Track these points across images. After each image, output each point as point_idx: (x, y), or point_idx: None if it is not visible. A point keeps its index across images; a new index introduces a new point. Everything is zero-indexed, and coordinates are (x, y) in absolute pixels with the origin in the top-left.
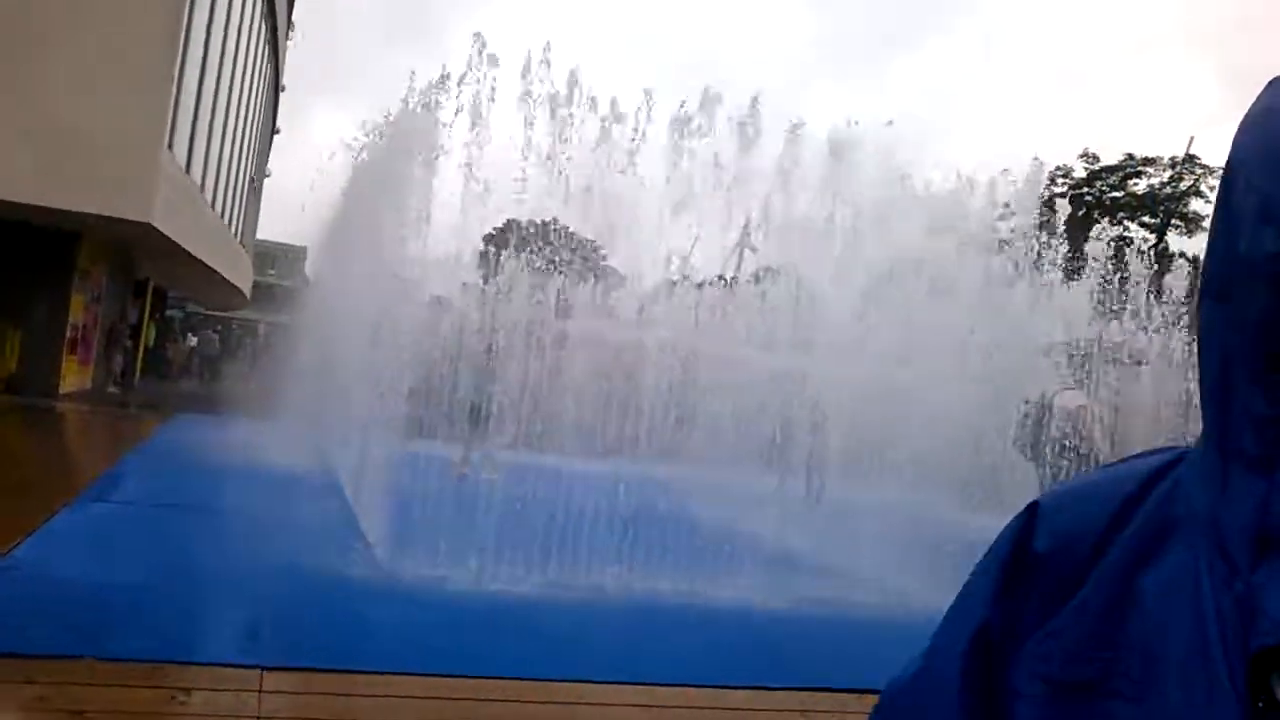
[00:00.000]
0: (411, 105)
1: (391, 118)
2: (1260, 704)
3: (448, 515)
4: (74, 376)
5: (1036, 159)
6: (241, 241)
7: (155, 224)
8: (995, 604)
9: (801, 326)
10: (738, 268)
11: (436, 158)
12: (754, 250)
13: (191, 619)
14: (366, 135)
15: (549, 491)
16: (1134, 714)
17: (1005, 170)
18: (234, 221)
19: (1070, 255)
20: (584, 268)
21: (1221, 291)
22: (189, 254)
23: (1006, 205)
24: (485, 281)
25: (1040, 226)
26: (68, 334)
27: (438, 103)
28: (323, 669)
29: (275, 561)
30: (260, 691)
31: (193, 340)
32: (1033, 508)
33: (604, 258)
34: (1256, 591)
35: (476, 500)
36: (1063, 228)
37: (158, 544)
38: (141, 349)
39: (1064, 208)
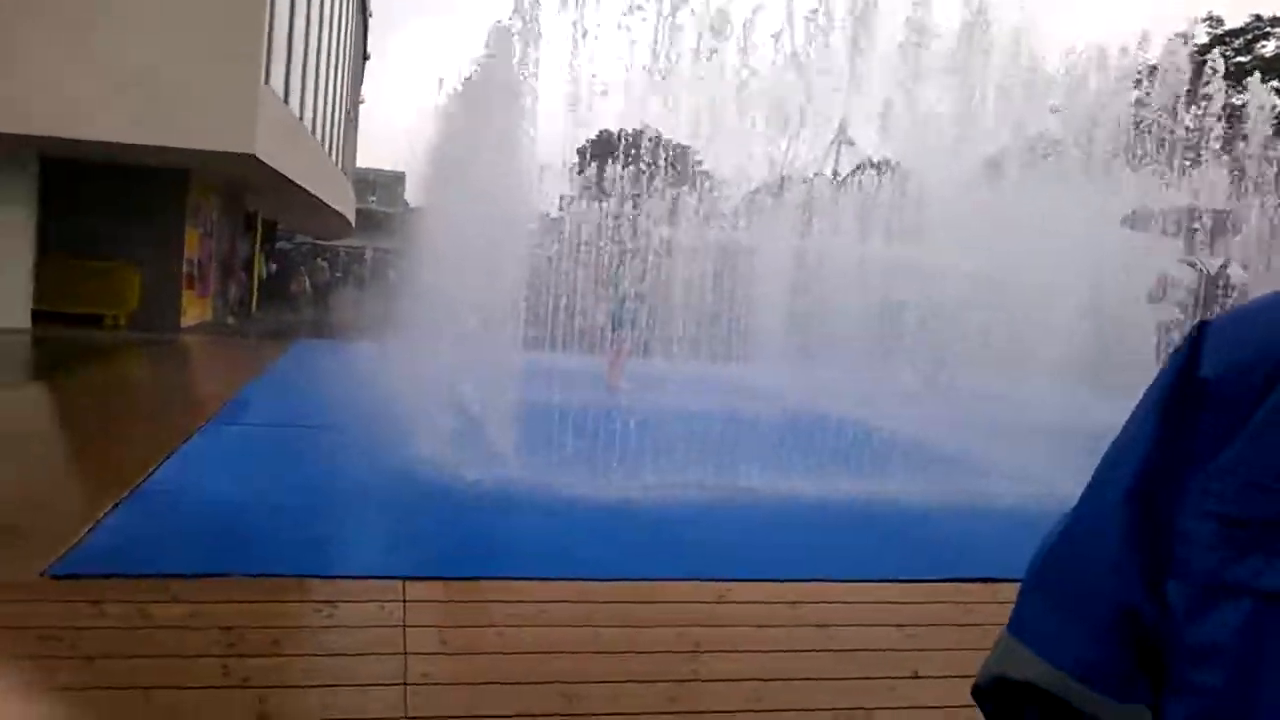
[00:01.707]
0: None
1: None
2: None
3: (579, 426)
4: (194, 310)
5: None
6: (342, 169)
7: (259, 155)
8: (1159, 442)
9: (913, 216)
10: (836, 163)
11: (534, 74)
12: (851, 144)
13: (331, 534)
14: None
15: (680, 398)
16: None
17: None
18: (334, 150)
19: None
20: (677, 175)
21: None
22: (293, 184)
23: (1140, 79)
24: (593, 196)
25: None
26: (184, 269)
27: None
28: (462, 577)
29: (406, 474)
30: (404, 601)
31: (316, 276)
32: (1199, 330)
33: (699, 163)
34: None
35: (605, 410)
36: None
37: (291, 463)
38: (255, 280)
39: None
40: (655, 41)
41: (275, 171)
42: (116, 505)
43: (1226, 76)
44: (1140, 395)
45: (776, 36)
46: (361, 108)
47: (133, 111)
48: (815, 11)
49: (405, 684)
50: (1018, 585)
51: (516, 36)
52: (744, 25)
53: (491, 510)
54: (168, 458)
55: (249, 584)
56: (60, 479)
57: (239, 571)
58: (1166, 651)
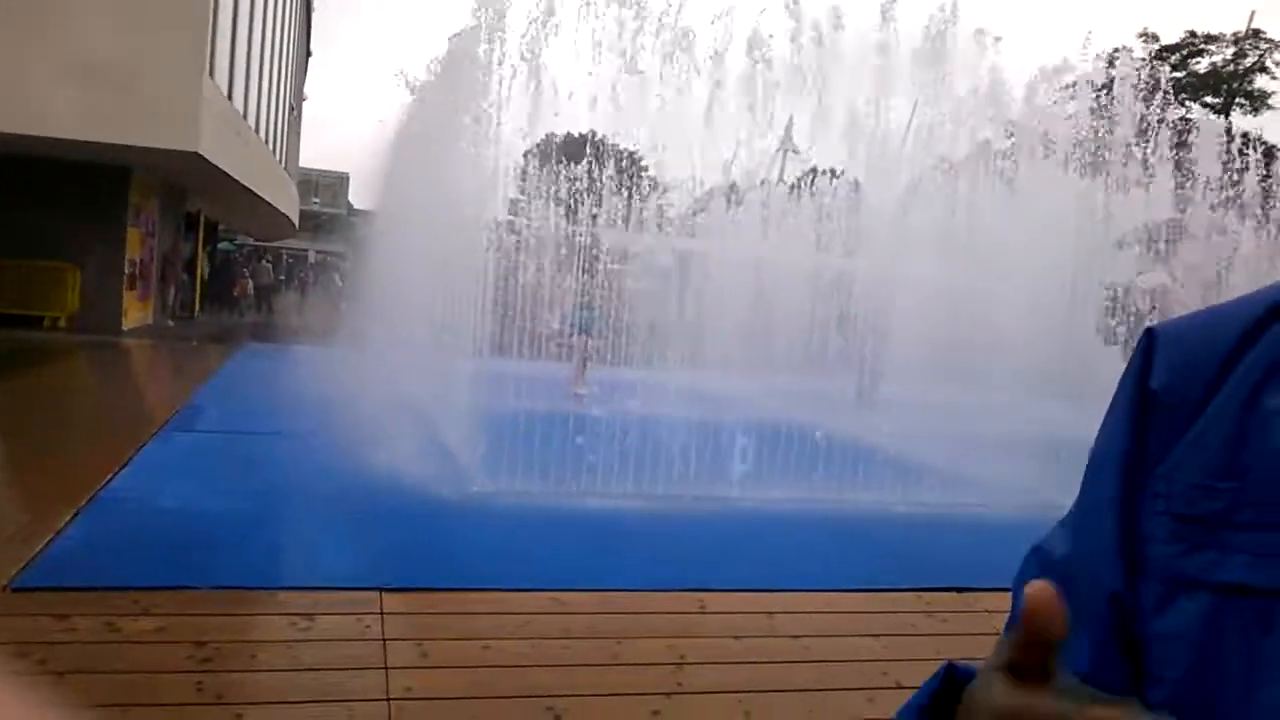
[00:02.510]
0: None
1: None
2: None
3: (538, 433)
4: (136, 312)
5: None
6: (286, 169)
7: (203, 153)
8: (1128, 451)
9: (856, 228)
10: (782, 171)
11: (494, 73)
12: (796, 152)
13: (300, 544)
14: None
15: (635, 406)
16: (1266, 543)
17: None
18: (277, 149)
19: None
20: (624, 180)
21: None
22: (237, 183)
23: (1071, 87)
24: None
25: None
26: (126, 270)
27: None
28: (439, 588)
29: (370, 483)
30: (382, 613)
31: (260, 277)
32: (1149, 339)
33: (645, 169)
34: None
35: (567, 417)
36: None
37: (251, 471)
38: (198, 282)
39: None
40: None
41: (219, 170)
42: (75, 515)
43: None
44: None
45: (718, 54)
46: (304, 106)
47: (76, 106)
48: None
49: (388, 699)
50: (988, 594)
51: (481, 35)
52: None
53: (463, 519)
54: (124, 466)
55: (220, 596)
56: (13, 488)
57: (209, 584)
58: (1142, 647)
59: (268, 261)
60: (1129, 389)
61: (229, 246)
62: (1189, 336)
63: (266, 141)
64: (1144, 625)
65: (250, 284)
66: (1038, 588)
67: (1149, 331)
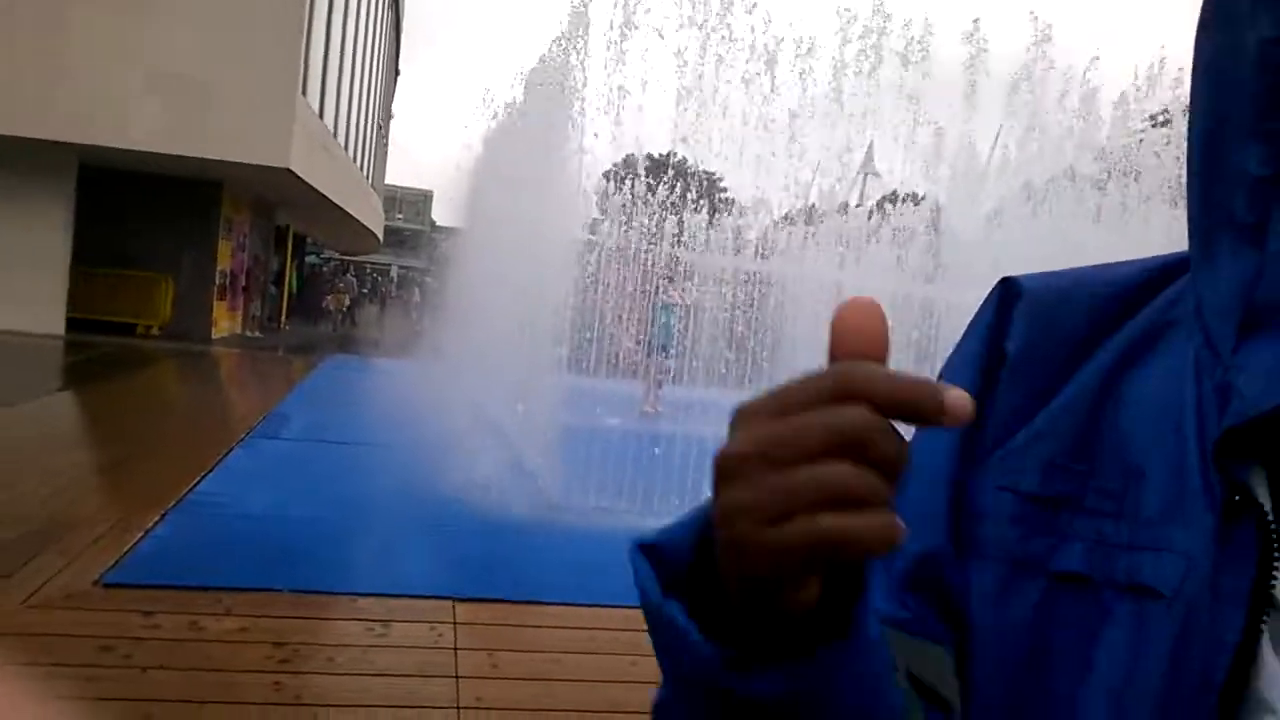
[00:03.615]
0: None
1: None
2: (1237, 498)
3: (618, 451)
4: (225, 321)
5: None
6: (372, 185)
7: (293, 169)
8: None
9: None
10: (862, 195)
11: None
12: (876, 175)
13: (378, 552)
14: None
15: (712, 425)
16: (1106, 530)
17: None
18: (364, 165)
19: None
20: (703, 200)
21: (1222, 17)
22: (325, 198)
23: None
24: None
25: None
26: (217, 280)
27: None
28: (511, 600)
29: (448, 495)
30: (455, 623)
31: (351, 291)
32: (1007, 294)
33: (724, 190)
34: (1233, 375)
35: (643, 436)
36: None
37: (333, 479)
38: (285, 294)
39: None
40: (689, 64)
41: (308, 186)
42: (164, 516)
43: None
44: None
45: (803, 73)
46: (391, 124)
47: (170, 120)
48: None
49: (458, 707)
50: None
51: (572, 53)
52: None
53: (536, 533)
54: (211, 470)
55: (300, 599)
56: (107, 487)
57: (287, 587)
58: (971, 630)
59: (353, 275)
60: (978, 344)
61: (315, 260)
62: (1056, 299)
63: (354, 158)
64: (975, 611)
65: (346, 297)
66: (855, 303)
67: (1007, 282)
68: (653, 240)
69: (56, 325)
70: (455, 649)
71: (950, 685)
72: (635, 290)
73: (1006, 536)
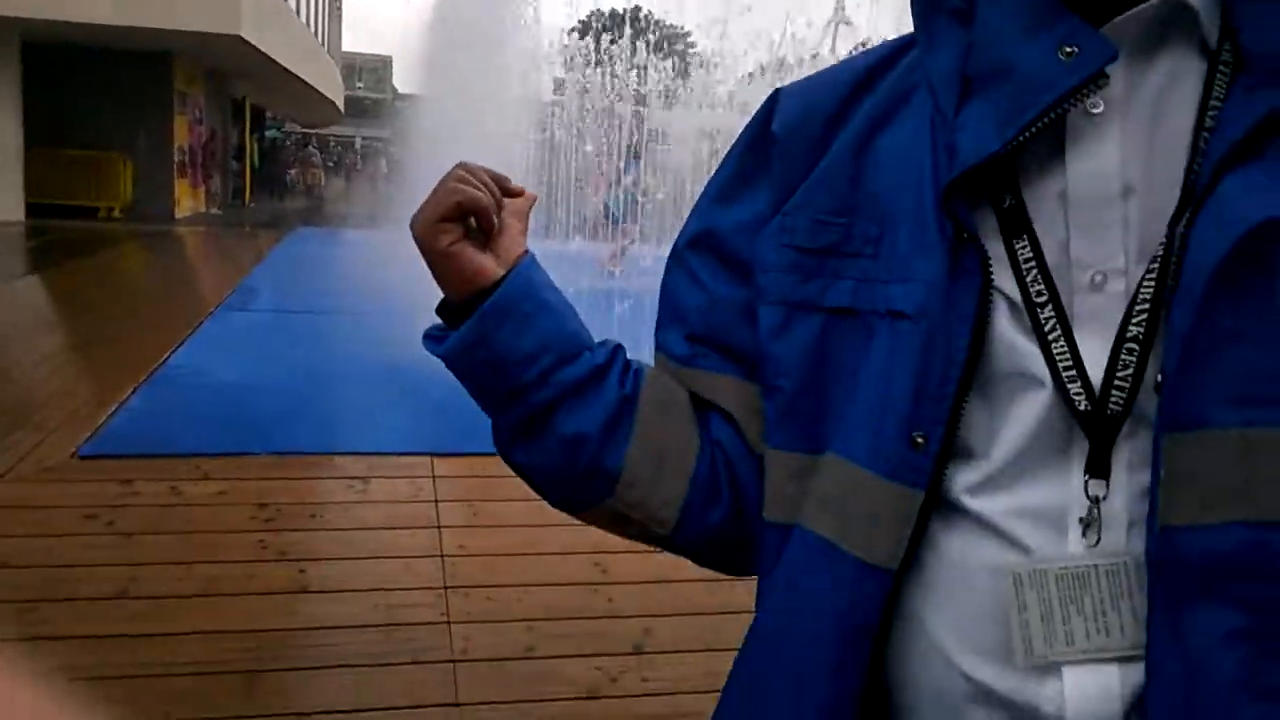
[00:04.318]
0: None
1: None
2: (965, 236)
3: (586, 308)
4: (188, 200)
5: None
6: (329, 52)
7: (245, 35)
8: (721, 203)
9: None
10: (833, 45)
11: None
12: (849, 24)
13: (354, 413)
14: None
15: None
16: (869, 268)
17: None
18: (319, 32)
19: None
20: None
21: None
22: (280, 67)
23: None
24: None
25: None
26: (176, 158)
27: None
28: (489, 453)
29: (421, 357)
30: (434, 477)
31: (317, 165)
32: (774, 94)
33: (692, 45)
34: (955, 134)
35: (611, 294)
36: None
37: (304, 346)
38: (249, 169)
39: None
40: None
41: (261, 53)
42: (136, 389)
43: None
44: None
45: None
46: None
47: None
48: None
49: (441, 555)
50: None
51: None
52: None
53: None
54: (182, 343)
55: (279, 461)
56: (77, 365)
57: (268, 449)
58: (763, 360)
59: (315, 148)
60: (748, 133)
61: (277, 134)
62: (810, 87)
63: (307, 24)
64: (761, 348)
65: (320, 172)
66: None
67: (775, 91)
68: (619, 97)
69: (15, 211)
70: (436, 501)
71: (730, 400)
72: (600, 152)
73: (786, 283)
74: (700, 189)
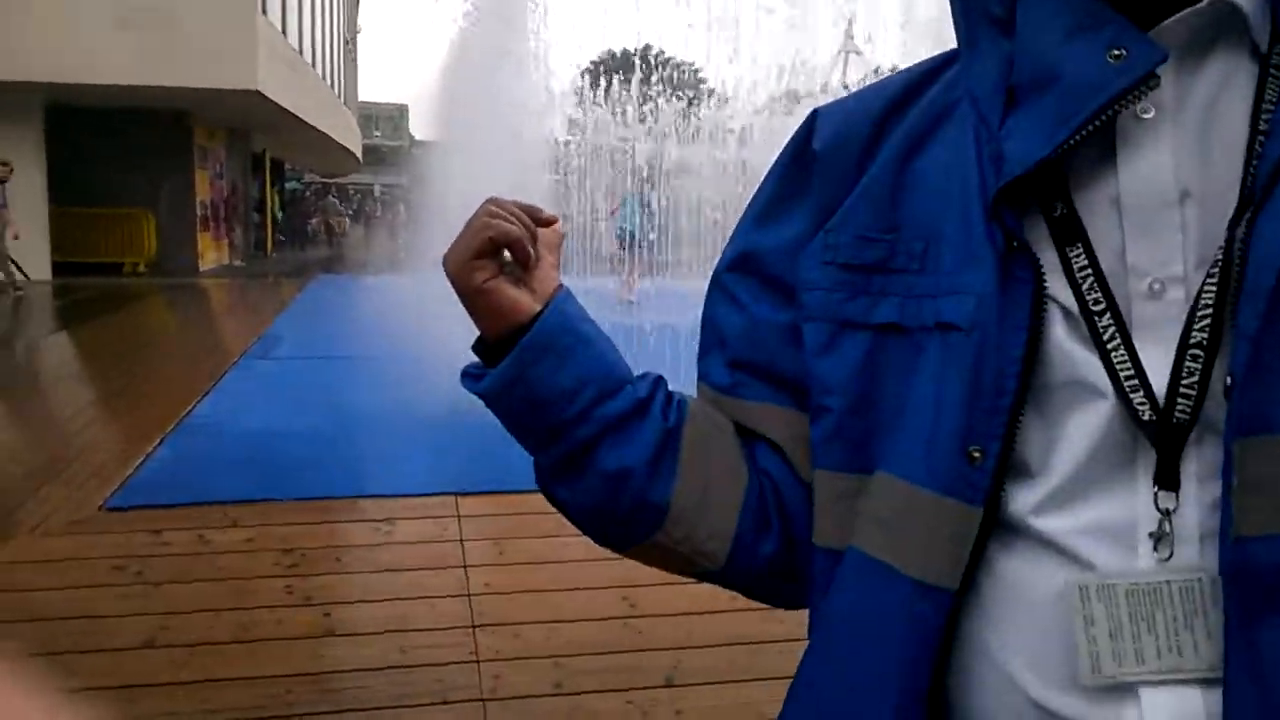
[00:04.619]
0: None
1: None
2: (1015, 245)
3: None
4: (211, 253)
5: None
6: (345, 103)
7: (261, 90)
8: (761, 224)
9: None
10: (844, 75)
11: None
12: (859, 54)
13: (378, 456)
14: None
15: (691, 313)
16: (915, 284)
17: None
18: (335, 83)
19: None
20: (683, 91)
21: None
22: (298, 119)
23: None
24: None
25: None
26: (198, 212)
27: None
28: (514, 490)
29: (443, 401)
30: (459, 516)
31: (328, 213)
32: (813, 116)
33: (703, 80)
34: (1002, 144)
35: (630, 328)
36: None
37: (326, 392)
38: (269, 220)
39: None
40: None
41: (279, 107)
42: (163, 439)
43: None
44: None
45: None
46: (359, 39)
47: (134, 51)
48: None
49: (468, 594)
50: None
51: None
52: None
53: None
54: (206, 394)
55: (304, 506)
56: (105, 419)
57: (293, 495)
58: (810, 380)
59: (334, 197)
60: (787, 153)
61: (296, 185)
62: (849, 107)
63: (323, 76)
64: (811, 361)
65: (346, 220)
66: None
67: (813, 111)
68: (630, 136)
69: (43, 270)
70: (461, 540)
71: (776, 429)
72: (611, 189)
73: (830, 300)
74: (721, 217)
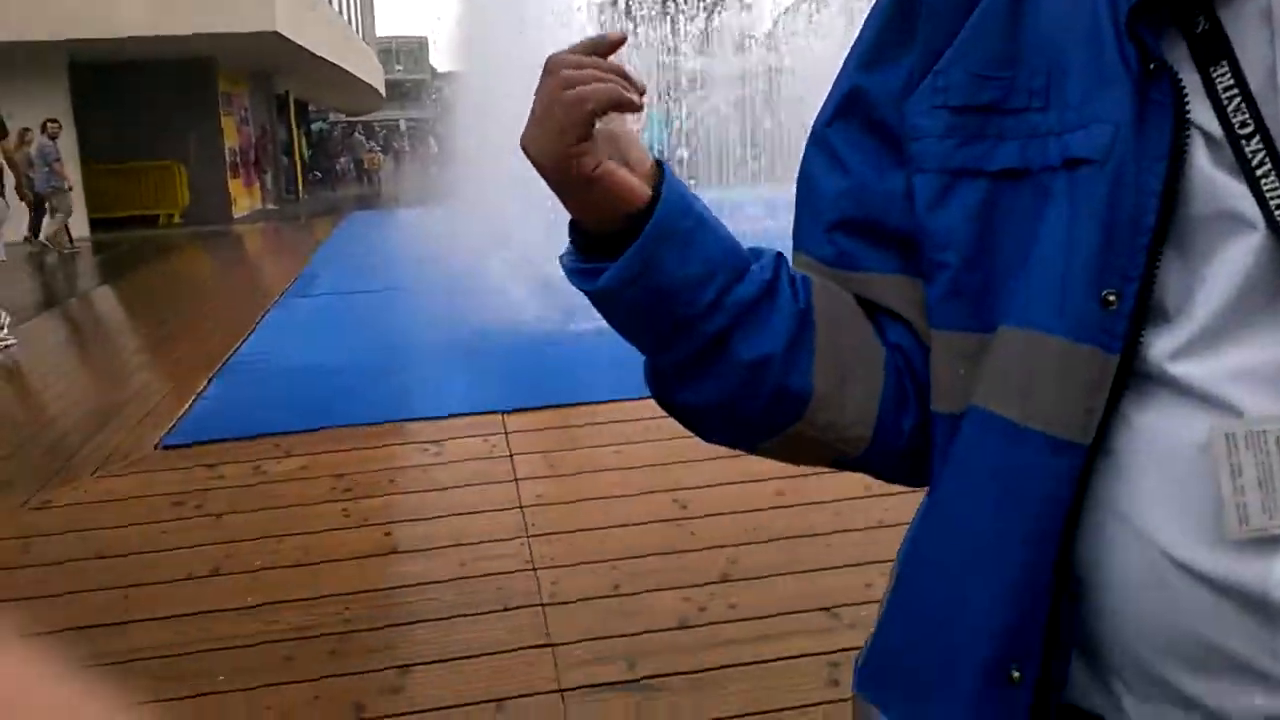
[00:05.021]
0: None
1: None
2: (1153, 66)
3: None
4: (244, 199)
5: None
6: (364, 39)
7: (281, 31)
8: (866, 68)
9: None
10: None
11: None
12: None
13: (423, 382)
14: None
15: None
16: (1039, 123)
17: None
18: (352, 19)
19: None
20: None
21: None
22: (319, 58)
23: None
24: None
25: None
26: (227, 159)
27: None
28: (562, 404)
29: (483, 325)
30: (506, 433)
31: (356, 151)
32: None
33: None
34: None
35: None
36: None
37: (367, 324)
38: (298, 163)
39: None
40: None
41: (299, 47)
42: (211, 379)
43: None
44: None
45: None
46: None
47: (151, 1)
48: None
49: (521, 506)
50: None
51: None
52: None
53: (574, 342)
54: (250, 333)
55: (354, 433)
56: (154, 363)
57: (343, 423)
58: (922, 236)
59: (360, 134)
60: (884, 5)
61: (323, 125)
62: None
63: (340, 12)
64: (922, 216)
65: (378, 156)
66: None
67: None
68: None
69: (80, 228)
70: (510, 455)
71: (895, 298)
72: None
73: (942, 148)
74: (735, 125)
